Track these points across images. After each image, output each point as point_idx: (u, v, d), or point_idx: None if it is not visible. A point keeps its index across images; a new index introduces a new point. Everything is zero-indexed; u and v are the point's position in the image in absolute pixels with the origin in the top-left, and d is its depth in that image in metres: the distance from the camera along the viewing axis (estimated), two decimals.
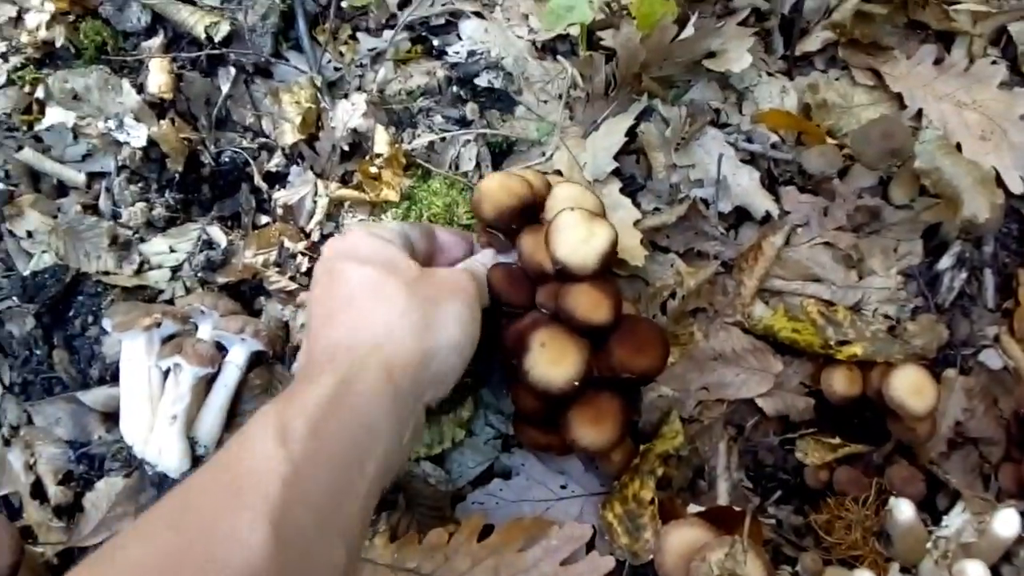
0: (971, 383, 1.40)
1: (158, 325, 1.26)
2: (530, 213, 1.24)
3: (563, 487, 1.30)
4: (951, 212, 1.38)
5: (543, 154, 1.44)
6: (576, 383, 1.16)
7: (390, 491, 1.29)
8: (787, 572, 1.30)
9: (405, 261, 1.10)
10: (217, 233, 1.43)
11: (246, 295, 1.41)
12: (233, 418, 1.31)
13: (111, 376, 1.38)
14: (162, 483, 1.26)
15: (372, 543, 1.22)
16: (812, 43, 1.52)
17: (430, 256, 1.24)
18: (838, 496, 1.34)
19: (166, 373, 1.27)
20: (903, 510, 1.28)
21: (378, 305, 1.03)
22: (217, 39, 1.48)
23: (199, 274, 1.40)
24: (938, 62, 1.54)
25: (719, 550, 1.10)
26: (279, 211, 1.45)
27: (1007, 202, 1.45)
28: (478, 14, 1.53)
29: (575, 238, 1.18)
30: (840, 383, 1.32)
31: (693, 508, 1.26)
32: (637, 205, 1.40)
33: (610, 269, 1.27)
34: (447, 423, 1.32)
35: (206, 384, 1.29)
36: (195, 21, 1.48)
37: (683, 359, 1.38)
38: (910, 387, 1.27)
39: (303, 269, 1.41)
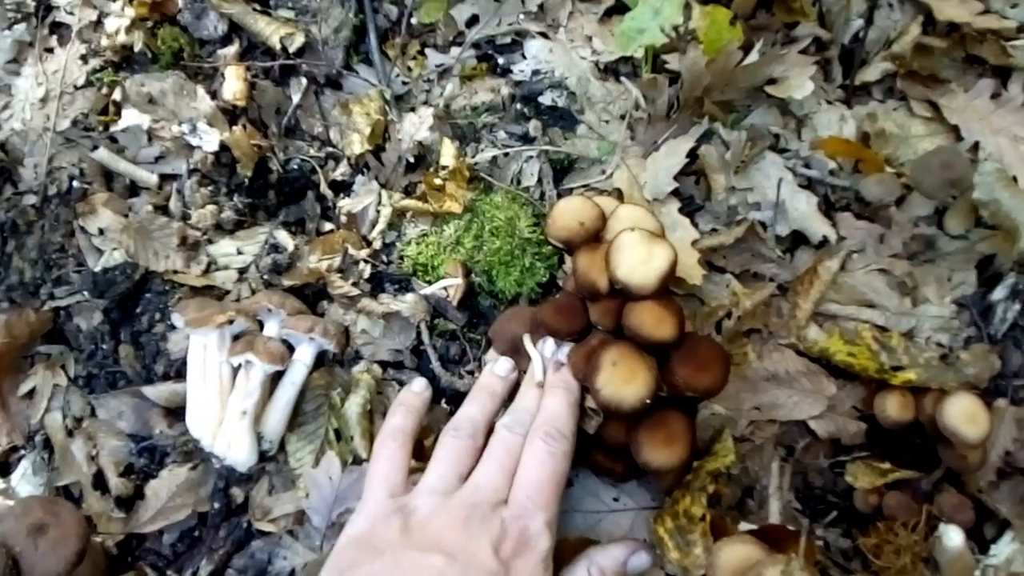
0: (1022, 414, 1.41)
1: (231, 322, 1.29)
2: (596, 237, 1.28)
3: (615, 500, 1.32)
4: (1008, 244, 1.40)
5: (603, 172, 1.47)
6: (648, 401, 1.18)
7: None
8: None
9: None
10: (284, 237, 1.46)
11: (309, 299, 1.45)
12: (295, 416, 1.34)
13: (175, 372, 1.41)
14: (230, 476, 1.29)
15: None
16: (872, 73, 1.54)
17: None
18: (887, 521, 1.34)
19: (235, 369, 1.30)
20: (952, 537, 1.29)
21: None
22: (291, 49, 1.52)
23: (265, 276, 1.44)
24: (995, 96, 1.55)
25: (774, 568, 1.12)
26: (343, 219, 1.49)
27: None
28: (543, 34, 1.57)
29: (636, 258, 1.22)
30: (894, 408, 1.33)
31: (744, 526, 1.28)
32: (695, 225, 1.43)
33: (668, 288, 1.30)
34: None
35: (272, 381, 1.32)
36: (271, 31, 1.52)
37: (736, 379, 1.39)
38: (964, 414, 1.28)
39: (365, 276, 1.44)
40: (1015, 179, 1.46)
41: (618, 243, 1.24)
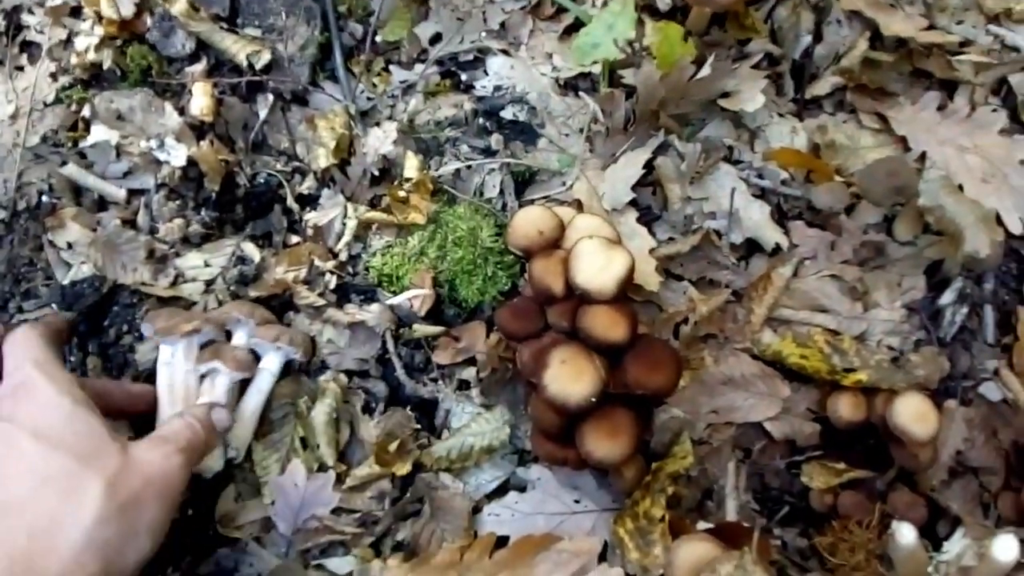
0: (971, 414, 1.45)
1: (198, 331, 1.32)
2: (555, 244, 1.32)
3: (576, 502, 1.35)
4: (953, 248, 1.45)
5: (564, 184, 1.51)
6: (593, 398, 1.22)
7: (413, 501, 1.34)
8: None
9: (107, 442, 1.00)
10: (251, 249, 1.49)
11: (276, 310, 1.47)
12: (262, 425, 1.36)
13: (142, 382, 1.43)
14: (196, 483, 1.31)
15: (387, 564, 1.26)
16: (822, 87, 1.60)
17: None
18: (842, 519, 1.38)
19: (202, 377, 1.32)
20: (905, 534, 1.32)
21: (67, 507, 0.93)
22: (258, 67, 1.56)
23: (232, 287, 1.46)
24: (941, 108, 1.61)
25: (728, 563, 1.15)
26: (309, 231, 1.52)
27: (1007, 242, 1.52)
28: (504, 52, 1.61)
29: (594, 265, 1.26)
30: (845, 408, 1.37)
31: (703, 526, 1.31)
32: (653, 234, 1.47)
33: (626, 294, 1.34)
34: (476, 449, 1.37)
35: (239, 390, 1.35)
36: (238, 49, 1.56)
37: (694, 383, 1.43)
38: (913, 414, 1.32)
39: (331, 287, 1.47)
40: (960, 187, 1.51)
41: (577, 250, 1.28)
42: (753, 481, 1.42)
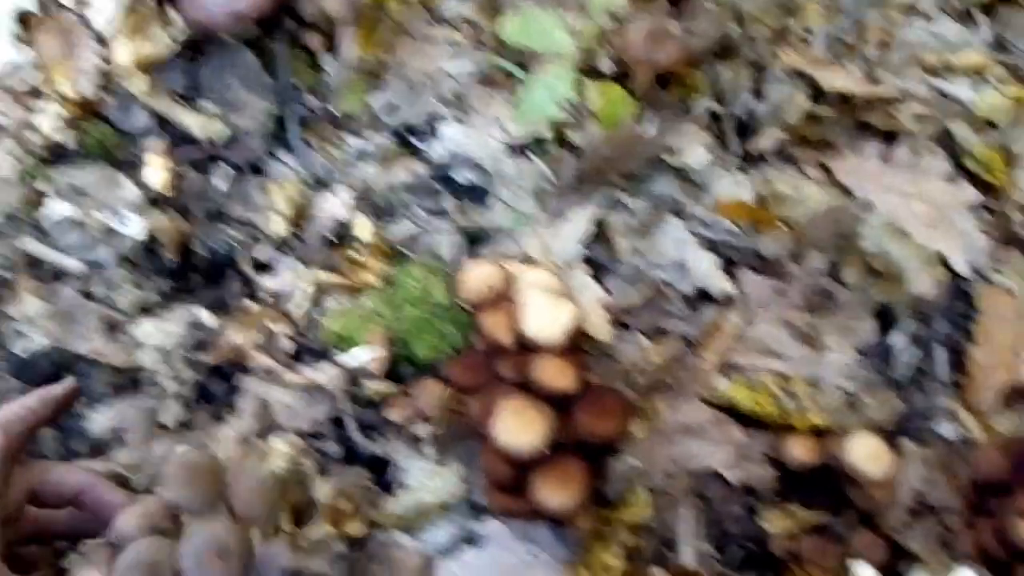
0: (929, 454, 1.46)
1: None
2: (504, 298, 1.35)
3: (532, 556, 1.34)
4: (899, 291, 1.47)
5: (515, 242, 1.53)
6: (544, 448, 1.23)
7: (366, 561, 1.33)
8: None
9: None
10: (206, 316, 1.50)
11: (230, 376, 1.48)
12: None
13: (93, 453, 1.43)
14: None
15: None
16: (765, 142, 1.64)
17: None
18: (802, 563, 1.37)
19: None
20: (865, 574, 1.32)
21: None
22: (215, 140, 1.60)
23: (186, 354, 1.47)
24: (884, 158, 1.65)
25: None
26: (266, 297, 1.53)
27: (955, 283, 1.55)
28: (457, 119, 1.66)
29: (542, 316, 1.30)
30: (799, 451, 1.38)
31: (659, 575, 1.30)
32: (604, 288, 1.49)
33: (575, 344, 1.36)
34: (430, 505, 1.37)
35: None
36: (195, 124, 1.60)
37: (650, 432, 1.43)
38: (866, 454, 1.33)
39: (287, 350, 1.48)
40: (906, 232, 1.54)
41: (524, 302, 1.31)
42: (713, 528, 1.41)
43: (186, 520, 1.09)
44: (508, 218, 1.55)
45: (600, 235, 1.54)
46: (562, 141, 1.58)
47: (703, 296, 1.51)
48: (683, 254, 1.50)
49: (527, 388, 1.27)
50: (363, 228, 1.50)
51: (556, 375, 1.26)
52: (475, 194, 1.59)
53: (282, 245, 1.57)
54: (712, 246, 1.53)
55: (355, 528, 1.33)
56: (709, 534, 1.40)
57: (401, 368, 1.47)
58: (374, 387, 1.42)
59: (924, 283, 1.44)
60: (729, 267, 1.53)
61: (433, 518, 1.36)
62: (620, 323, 1.49)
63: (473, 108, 1.68)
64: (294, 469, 1.38)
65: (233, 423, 1.45)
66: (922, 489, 1.43)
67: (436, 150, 1.63)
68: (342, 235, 1.55)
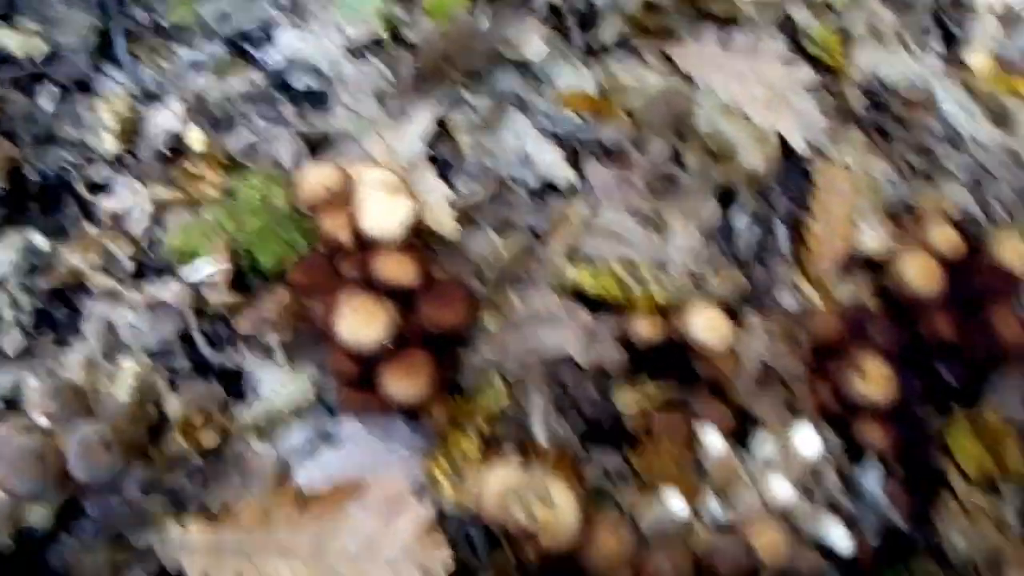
0: (772, 325, 1.51)
1: None
2: (343, 200, 1.33)
3: (389, 449, 1.35)
4: (737, 170, 1.51)
5: (359, 146, 1.51)
6: (387, 341, 1.23)
7: (223, 471, 1.32)
8: (615, 510, 1.36)
9: None
10: (40, 241, 1.45)
11: (72, 300, 1.44)
12: None
13: None
14: None
15: (186, 527, 1.23)
16: (607, 33, 1.64)
17: None
18: (655, 436, 1.41)
19: None
20: (713, 442, 1.37)
21: None
22: (37, 59, 1.52)
23: (23, 281, 1.42)
24: (724, 44, 1.67)
25: (527, 481, 1.17)
26: (104, 218, 1.49)
27: (794, 161, 1.60)
28: (293, 24, 1.61)
29: (379, 212, 1.29)
30: (644, 328, 1.41)
31: (515, 457, 1.32)
32: (451, 186, 1.49)
33: (418, 240, 1.36)
34: (284, 411, 1.36)
35: None
36: (14, 43, 1.52)
37: (504, 325, 1.45)
38: (705, 325, 1.37)
39: (129, 270, 1.44)
40: (746, 115, 1.58)
41: (361, 200, 1.30)
42: (570, 411, 1.44)
43: None
44: (350, 122, 1.53)
45: (444, 133, 1.53)
46: (398, 40, 1.56)
47: (549, 188, 1.52)
48: (527, 147, 1.51)
49: (369, 285, 1.27)
50: (197, 140, 1.46)
51: (396, 270, 1.26)
52: (315, 99, 1.56)
53: (116, 164, 1.52)
54: (556, 138, 1.54)
55: (209, 439, 1.32)
56: (566, 417, 1.43)
57: (248, 280, 1.45)
58: (219, 299, 1.40)
59: (756, 158, 1.47)
60: (573, 158, 1.54)
61: (288, 423, 1.35)
62: (469, 219, 1.49)
63: (310, 12, 1.64)
64: (144, 387, 1.36)
65: (78, 347, 1.42)
66: (767, 358, 1.49)
67: (272, 57, 1.59)
68: (177, 149, 1.51)
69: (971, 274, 1.47)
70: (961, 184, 1.64)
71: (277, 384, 1.37)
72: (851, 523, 1.33)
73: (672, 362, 1.45)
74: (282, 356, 1.38)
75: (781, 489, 1.30)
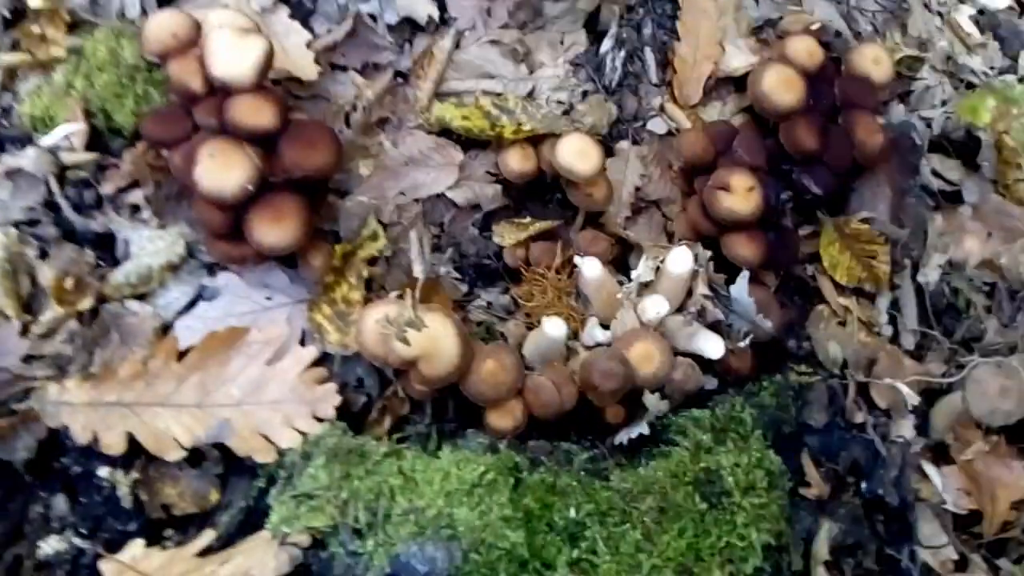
0: (644, 151, 1.54)
1: None
2: (190, 43, 1.29)
3: (268, 299, 1.35)
4: None
5: None
6: (249, 187, 1.22)
7: (101, 333, 1.32)
8: (499, 340, 1.40)
9: None
10: None
11: None
12: None
13: None
14: None
15: (65, 386, 1.23)
16: None
17: None
18: (533, 267, 1.44)
19: None
20: (590, 267, 1.40)
21: None
22: None
23: None
24: None
25: (396, 310, 1.19)
26: None
27: None
28: None
29: (229, 54, 1.25)
30: (515, 160, 1.42)
31: (393, 295, 1.34)
32: (309, 28, 1.45)
33: (272, 83, 1.34)
34: (156, 269, 1.35)
35: None
36: None
37: (377, 169, 1.45)
38: (574, 152, 1.38)
39: None
40: None
41: (210, 44, 1.26)
42: (452, 252, 1.45)
43: None
44: None
45: None
46: None
47: (411, 25, 1.49)
48: None
49: (226, 132, 1.25)
50: None
51: (252, 113, 1.23)
52: None
53: None
54: None
55: (85, 304, 1.31)
56: (448, 256, 1.44)
57: (109, 140, 1.41)
58: (76, 160, 1.36)
59: None
60: None
61: (163, 281, 1.34)
62: (332, 64, 1.46)
63: None
64: (14, 258, 1.33)
65: None
66: (640, 184, 1.52)
67: None
68: (18, 10, 1.43)
69: (831, 84, 1.50)
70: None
71: (147, 242, 1.35)
72: (724, 334, 1.38)
73: (544, 193, 1.48)
74: (148, 214, 1.36)
75: (654, 305, 1.34)
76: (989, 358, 1.40)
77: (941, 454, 1.44)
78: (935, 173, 1.63)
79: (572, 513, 1.13)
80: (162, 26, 1.28)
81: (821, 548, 1.25)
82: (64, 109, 1.38)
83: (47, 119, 1.40)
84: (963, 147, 1.64)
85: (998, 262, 1.55)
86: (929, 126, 1.65)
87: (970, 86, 1.72)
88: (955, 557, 1.34)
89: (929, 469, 1.40)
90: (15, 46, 1.44)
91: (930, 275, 1.55)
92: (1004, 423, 1.37)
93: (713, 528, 1.15)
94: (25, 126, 1.41)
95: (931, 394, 1.46)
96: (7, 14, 1.43)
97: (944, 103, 1.68)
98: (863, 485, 1.31)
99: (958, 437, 1.42)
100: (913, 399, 1.38)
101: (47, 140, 1.37)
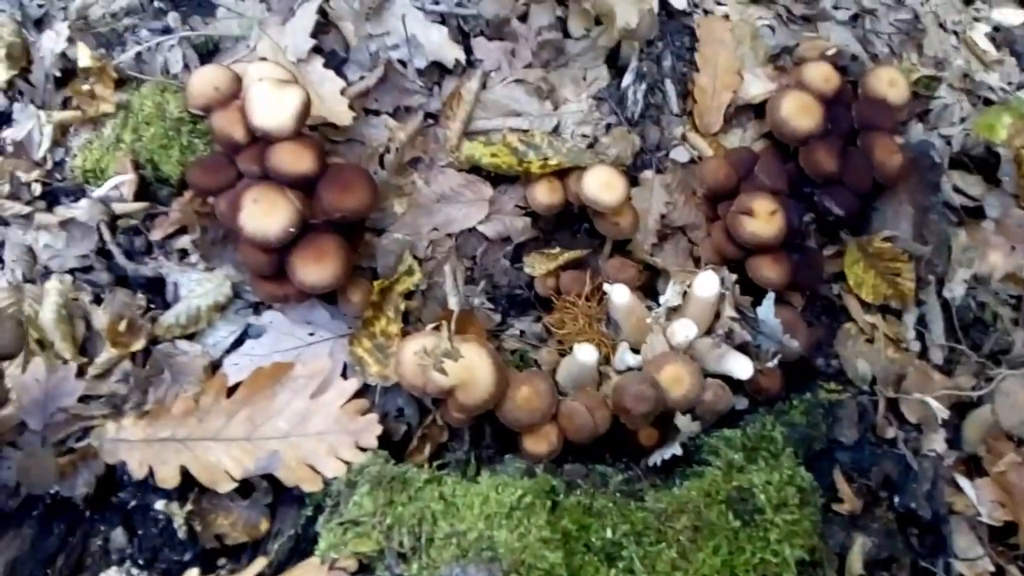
0: (668, 179, 1.58)
1: None
2: (234, 97, 1.36)
3: (311, 335, 1.41)
4: (618, 30, 1.54)
5: (248, 46, 1.53)
6: (291, 229, 1.28)
7: (154, 373, 1.38)
8: (533, 368, 1.45)
9: None
10: None
11: None
12: None
13: None
14: None
15: (121, 424, 1.30)
16: None
17: None
18: (563, 296, 1.49)
19: None
20: (619, 294, 1.44)
21: None
22: None
23: None
24: None
25: (434, 340, 1.24)
26: (9, 148, 1.51)
27: (678, 20, 1.64)
28: None
29: (269, 105, 1.32)
30: (543, 193, 1.47)
31: (430, 327, 1.39)
32: (343, 76, 1.52)
33: (310, 129, 1.41)
34: (204, 309, 1.42)
35: None
36: None
37: (411, 207, 1.51)
38: (600, 183, 1.43)
39: (37, 193, 1.48)
40: None
41: (250, 95, 1.33)
42: (485, 284, 1.50)
43: None
44: (235, 25, 1.54)
45: (329, 24, 1.55)
46: None
47: (439, 69, 1.56)
48: (413, 30, 1.53)
49: (268, 178, 1.31)
50: (84, 56, 1.47)
51: (293, 160, 1.30)
52: (199, 6, 1.57)
53: (11, 91, 1.53)
54: (440, 18, 1.57)
55: (138, 345, 1.38)
56: (482, 288, 1.49)
57: (155, 188, 1.48)
58: (127, 209, 1.44)
59: (630, 15, 1.49)
60: (460, 37, 1.57)
61: (211, 321, 1.41)
62: (365, 109, 1.52)
63: None
64: (70, 304, 1.41)
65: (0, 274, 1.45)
66: (665, 212, 1.56)
67: None
68: (68, 70, 1.52)
69: (849, 107, 1.54)
70: (839, 23, 1.69)
71: (195, 285, 1.42)
72: (753, 354, 1.41)
73: (572, 224, 1.52)
74: (196, 258, 1.43)
75: (683, 329, 1.38)
76: (1017, 370, 1.43)
77: (974, 466, 1.46)
78: (956, 189, 1.65)
79: (609, 533, 1.17)
80: (205, 80, 1.36)
81: (855, 562, 1.26)
82: (114, 161, 1.46)
83: (98, 171, 1.47)
84: (983, 163, 1.66)
85: (1022, 275, 1.58)
86: (949, 143, 1.68)
87: (988, 102, 1.75)
88: (991, 569, 1.35)
89: (962, 482, 1.42)
90: (66, 103, 1.52)
91: (956, 290, 1.57)
92: None
93: (747, 545, 1.18)
94: (78, 179, 1.49)
95: (961, 407, 1.48)
96: (58, 73, 1.51)
97: (963, 120, 1.71)
98: (896, 499, 1.33)
99: (990, 449, 1.44)
100: (943, 413, 1.40)
101: (99, 191, 1.45)
